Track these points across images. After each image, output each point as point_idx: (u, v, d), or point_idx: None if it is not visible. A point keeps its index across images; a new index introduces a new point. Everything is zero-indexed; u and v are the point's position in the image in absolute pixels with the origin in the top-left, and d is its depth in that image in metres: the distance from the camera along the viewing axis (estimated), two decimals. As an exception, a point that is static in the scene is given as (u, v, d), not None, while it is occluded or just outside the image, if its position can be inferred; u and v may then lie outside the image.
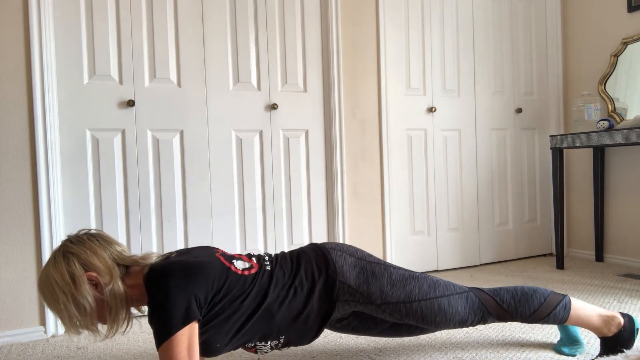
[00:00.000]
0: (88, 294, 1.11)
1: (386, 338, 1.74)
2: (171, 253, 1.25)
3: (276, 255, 1.36)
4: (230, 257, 1.26)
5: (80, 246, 1.14)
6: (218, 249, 1.31)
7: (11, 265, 1.88)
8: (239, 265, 1.24)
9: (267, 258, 1.32)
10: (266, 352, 1.32)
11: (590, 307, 1.43)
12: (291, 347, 1.68)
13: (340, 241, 2.51)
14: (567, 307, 1.39)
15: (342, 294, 1.29)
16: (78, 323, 1.13)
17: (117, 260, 1.17)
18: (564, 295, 1.42)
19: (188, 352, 1.05)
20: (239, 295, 1.18)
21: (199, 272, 1.13)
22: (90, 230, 1.22)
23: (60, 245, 1.16)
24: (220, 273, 1.17)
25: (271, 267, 1.28)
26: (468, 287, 1.39)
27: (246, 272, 1.23)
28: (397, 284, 1.31)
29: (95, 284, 1.13)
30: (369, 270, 1.32)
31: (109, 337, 1.18)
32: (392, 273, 1.34)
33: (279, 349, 1.31)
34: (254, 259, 1.30)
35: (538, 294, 1.39)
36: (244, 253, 1.43)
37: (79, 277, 1.10)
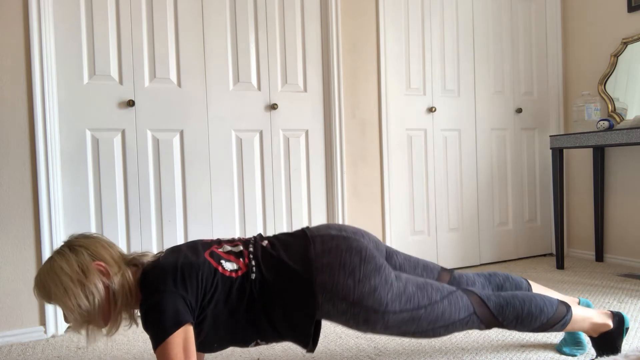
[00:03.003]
0: (98, 282, 1.11)
1: (386, 338, 1.74)
2: (160, 253, 1.24)
3: (264, 257, 1.24)
4: (219, 257, 1.21)
5: (86, 240, 1.17)
6: (207, 243, 1.27)
7: (11, 265, 1.88)
8: (227, 266, 1.20)
9: (254, 263, 1.22)
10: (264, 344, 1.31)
11: (587, 318, 1.40)
12: (292, 347, 1.68)
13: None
14: (566, 324, 1.36)
15: (326, 318, 1.26)
16: (86, 314, 1.11)
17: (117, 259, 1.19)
18: (567, 312, 1.36)
19: (185, 354, 1.05)
20: (226, 298, 1.16)
21: (188, 275, 1.12)
22: (92, 234, 1.22)
23: (64, 244, 1.17)
24: (209, 275, 1.15)
25: (256, 276, 1.19)
26: (473, 307, 1.29)
27: (233, 275, 1.19)
28: (392, 327, 1.22)
29: (104, 274, 1.13)
30: (362, 318, 1.19)
31: (111, 334, 1.17)
32: (388, 320, 1.20)
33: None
34: (242, 260, 1.22)
35: (543, 315, 1.34)
36: (236, 239, 1.32)
37: (88, 265, 1.11)
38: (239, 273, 1.19)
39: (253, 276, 1.19)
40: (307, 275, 1.19)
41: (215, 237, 1.36)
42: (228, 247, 1.26)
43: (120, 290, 1.13)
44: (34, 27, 1.89)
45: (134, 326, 1.97)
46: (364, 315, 1.19)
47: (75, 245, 1.15)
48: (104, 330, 1.18)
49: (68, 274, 1.10)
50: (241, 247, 1.26)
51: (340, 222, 2.51)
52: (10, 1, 1.88)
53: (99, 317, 1.14)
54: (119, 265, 1.15)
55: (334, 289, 1.18)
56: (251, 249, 1.26)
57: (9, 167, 1.88)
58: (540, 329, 1.35)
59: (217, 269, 1.18)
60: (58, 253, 1.14)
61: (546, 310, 1.34)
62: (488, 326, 1.31)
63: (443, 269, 1.47)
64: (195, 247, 1.24)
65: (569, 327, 1.38)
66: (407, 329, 1.23)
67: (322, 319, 1.24)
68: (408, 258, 1.45)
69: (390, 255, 1.43)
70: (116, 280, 1.13)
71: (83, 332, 1.16)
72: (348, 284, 1.18)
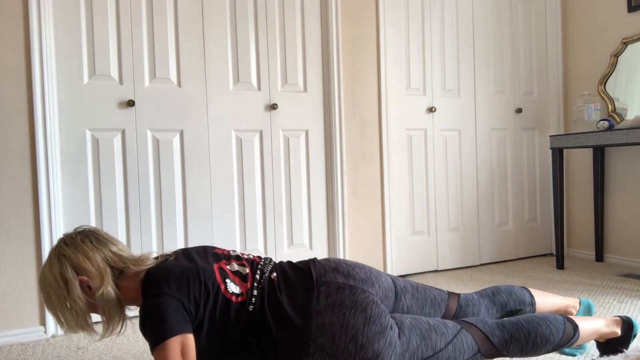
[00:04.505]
0: (79, 299, 1.12)
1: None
2: (169, 255, 1.22)
3: (269, 289, 1.21)
4: (225, 275, 1.19)
5: (72, 249, 1.14)
6: (217, 255, 1.25)
7: (11, 265, 1.88)
8: (231, 287, 1.17)
9: (256, 293, 1.19)
10: None
11: (594, 331, 1.38)
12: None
13: (340, 242, 2.50)
14: (573, 344, 1.34)
15: None
16: (73, 324, 1.15)
17: (110, 262, 1.17)
18: (574, 334, 1.33)
19: (183, 357, 1.04)
20: (222, 319, 1.14)
21: (193, 285, 1.11)
22: (86, 228, 1.20)
23: (56, 246, 1.17)
24: (211, 289, 1.14)
25: (254, 309, 1.16)
26: (478, 345, 1.25)
27: (233, 298, 1.16)
28: None
29: (89, 287, 1.14)
30: None
31: (105, 337, 1.18)
32: None
33: None
34: (245, 285, 1.20)
35: (548, 344, 1.30)
36: (245, 257, 1.31)
37: (70, 281, 1.11)
38: (239, 299, 1.17)
39: (251, 308, 1.17)
40: (306, 332, 1.15)
41: (226, 249, 1.34)
42: (236, 266, 1.23)
43: (105, 303, 1.13)
44: (34, 27, 1.89)
45: (134, 326, 1.97)
46: None
47: (61, 255, 1.14)
48: (98, 335, 1.19)
49: (52, 286, 1.12)
50: (248, 270, 1.23)
51: (340, 222, 2.51)
52: (10, 1, 1.88)
53: (88, 326, 1.16)
54: (102, 278, 1.13)
55: (334, 352, 1.14)
56: (257, 277, 1.22)
57: (9, 167, 1.88)
58: (546, 353, 1.33)
59: (220, 286, 1.16)
60: (49, 261, 1.14)
61: (552, 339, 1.31)
62: (491, 358, 1.31)
63: (451, 295, 1.43)
64: (205, 257, 1.22)
65: (577, 343, 1.37)
66: None
67: None
68: (416, 296, 1.39)
69: (399, 297, 1.36)
70: (98, 294, 1.12)
71: (80, 331, 1.17)
72: (349, 349, 1.13)
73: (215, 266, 1.20)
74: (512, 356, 1.30)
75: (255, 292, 1.19)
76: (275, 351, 1.17)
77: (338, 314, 1.16)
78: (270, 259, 1.32)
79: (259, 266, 1.26)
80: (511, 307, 1.49)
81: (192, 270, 1.14)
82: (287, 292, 1.21)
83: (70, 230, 1.23)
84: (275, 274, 1.25)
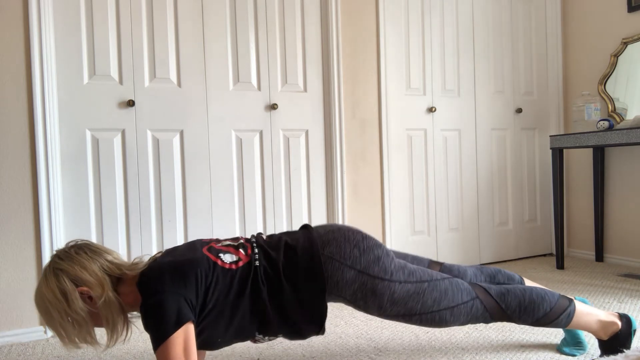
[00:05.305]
0: (81, 310, 1.11)
1: (386, 337, 1.74)
2: (157, 254, 1.25)
3: (268, 244, 1.29)
4: (217, 251, 1.22)
5: (68, 262, 1.14)
6: (205, 241, 1.28)
7: (11, 265, 1.88)
8: (227, 258, 1.21)
9: (257, 251, 1.25)
10: (264, 342, 1.32)
11: (592, 313, 1.40)
12: (291, 347, 1.68)
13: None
14: (571, 315, 1.36)
15: (334, 299, 1.28)
16: (76, 339, 1.14)
17: (107, 270, 1.17)
18: (570, 303, 1.38)
19: (185, 353, 1.05)
20: (228, 290, 1.16)
21: (186, 273, 1.12)
22: (79, 241, 1.21)
23: (50, 262, 1.16)
24: (208, 269, 1.16)
25: (260, 263, 1.22)
26: (475, 292, 1.32)
27: (233, 266, 1.19)
28: (398, 301, 1.25)
29: (89, 297, 1.13)
30: (369, 288, 1.24)
31: (110, 347, 1.18)
32: (394, 291, 1.25)
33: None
34: (241, 250, 1.24)
35: (545, 303, 1.34)
36: (236, 235, 1.38)
37: (70, 293, 1.10)
38: (239, 264, 1.21)
39: (257, 263, 1.22)
40: (314, 248, 1.25)
41: (215, 237, 1.38)
42: (227, 242, 1.28)
43: (107, 311, 1.13)
44: (34, 27, 1.89)
45: (133, 327, 1.97)
46: (371, 285, 1.24)
47: (57, 269, 1.13)
48: (102, 346, 1.19)
49: (52, 301, 1.10)
50: (242, 240, 1.30)
51: (340, 222, 2.51)
52: (10, 1, 1.88)
53: (92, 338, 1.16)
54: (103, 286, 1.13)
55: (342, 257, 1.25)
56: (253, 240, 1.30)
57: (9, 167, 1.88)
58: (545, 319, 1.34)
59: (215, 262, 1.19)
60: (44, 278, 1.14)
61: (548, 299, 1.35)
62: (492, 315, 1.32)
63: (432, 262, 1.49)
64: (193, 245, 1.25)
65: (575, 322, 1.38)
66: (413, 307, 1.25)
67: (331, 295, 1.27)
68: (396, 251, 1.50)
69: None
70: (101, 302, 1.12)
71: (81, 345, 1.17)
72: (354, 253, 1.26)
73: (205, 249, 1.23)
74: (511, 313, 1.32)
75: (256, 251, 1.25)
76: (295, 287, 1.21)
77: (338, 233, 1.30)
78: (260, 232, 1.39)
79: (253, 235, 1.34)
80: (499, 280, 1.51)
81: (183, 262, 1.15)
82: (286, 235, 1.33)
83: (61, 246, 1.23)
84: (266, 236, 1.35)
